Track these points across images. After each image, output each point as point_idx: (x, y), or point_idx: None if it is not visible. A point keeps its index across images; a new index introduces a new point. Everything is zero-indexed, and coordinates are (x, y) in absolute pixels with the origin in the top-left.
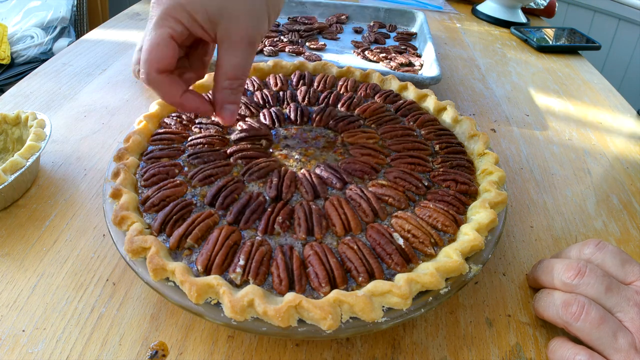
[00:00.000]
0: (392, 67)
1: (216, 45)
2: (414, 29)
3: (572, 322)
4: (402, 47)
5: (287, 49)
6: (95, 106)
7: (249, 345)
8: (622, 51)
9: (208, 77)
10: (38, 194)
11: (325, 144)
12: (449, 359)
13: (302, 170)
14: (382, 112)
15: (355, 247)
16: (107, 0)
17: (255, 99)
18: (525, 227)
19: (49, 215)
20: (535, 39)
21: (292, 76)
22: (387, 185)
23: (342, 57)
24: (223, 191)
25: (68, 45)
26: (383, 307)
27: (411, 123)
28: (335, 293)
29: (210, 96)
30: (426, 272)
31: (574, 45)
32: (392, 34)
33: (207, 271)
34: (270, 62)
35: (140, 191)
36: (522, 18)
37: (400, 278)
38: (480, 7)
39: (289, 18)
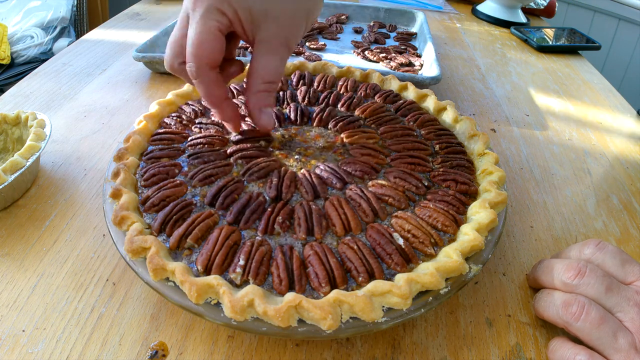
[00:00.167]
0: (392, 67)
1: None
2: (414, 29)
3: (572, 322)
4: (402, 47)
5: None
6: (95, 106)
7: (249, 345)
8: (622, 51)
9: None
10: (38, 194)
11: (325, 144)
12: (449, 359)
13: (302, 170)
14: (382, 112)
15: (355, 247)
16: (107, 0)
17: None
18: (525, 227)
19: (49, 215)
20: (535, 39)
21: (292, 76)
22: (387, 185)
23: (342, 57)
24: (223, 191)
25: (68, 45)
26: (383, 307)
27: (411, 123)
28: (335, 293)
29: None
30: (426, 272)
31: (574, 45)
32: (392, 34)
33: (207, 271)
34: None
35: (140, 191)
36: (522, 18)
37: (400, 278)
38: (480, 7)
39: None
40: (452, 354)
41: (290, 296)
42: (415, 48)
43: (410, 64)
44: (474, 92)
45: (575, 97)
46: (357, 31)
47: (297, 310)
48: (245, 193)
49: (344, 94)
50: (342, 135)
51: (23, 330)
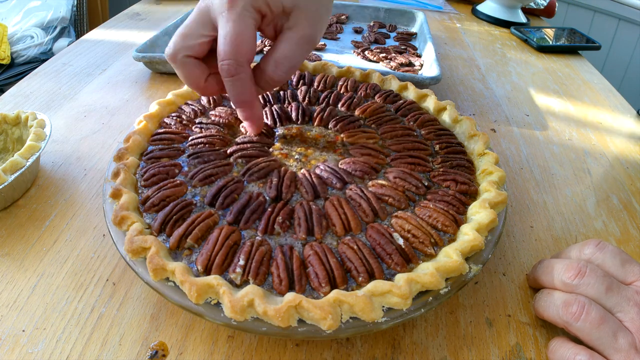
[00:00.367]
0: (392, 67)
1: None
2: (414, 29)
3: (572, 322)
4: (402, 47)
5: None
6: (95, 106)
7: (249, 345)
8: (622, 51)
9: None
10: (38, 194)
11: (325, 144)
12: (449, 359)
13: (302, 170)
14: (382, 112)
15: (355, 247)
16: (107, 0)
17: None
18: (525, 227)
19: (49, 215)
20: (535, 39)
21: (292, 76)
22: (387, 185)
23: (342, 57)
24: (223, 191)
25: (68, 45)
26: (383, 307)
27: (411, 123)
28: (335, 293)
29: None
30: (426, 272)
31: (574, 45)
32: (392, 34)
33: (207, 271)
34: None
35: (140, 191)
36: (522, 18)
37: (400, 278)
38: (480, 7)
39: None
40: (452, 354)
41: (290, 296)
42: (415, 48)
43: (410, 64)
44: (474, 92)
45: (575, 97)
46: (357, 31)
47: (297, 310)
48: (245, 193)
49: (344, 94)
50: (342, 135)
51: (23, 330)
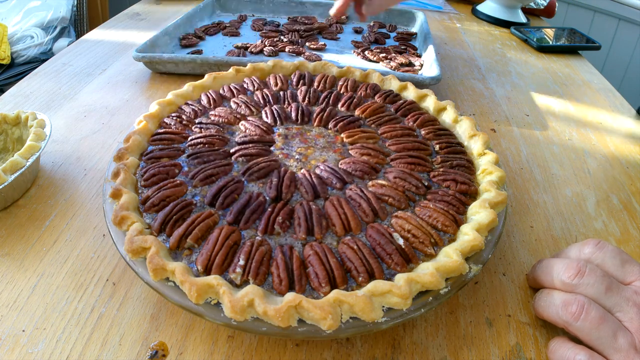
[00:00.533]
0: (392, 67)
1: None
2: (414, 29)
3: (572, 322)
4: (402, 47)
5: (287, 49)
6: (95, 106)
7: (249, 345)
8: (622, 51)
9: (208, 77)
10: (38, 194)
11: (325, 144)
12: (449, 359)
13: (302, 170)
14: (382, 112)
15: (355, 247)
16: (107, 0)
17: (255, 99)
18: (525, 227)
19: (49, 215)
20: (535, 39)
21: (292, 76)
22: (387, 185)
23: (342, 57)
24: (223, 191)
25: (68, 45)
26: (383, 307)
27: (411, 123)
28: (335, 293)
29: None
30: (426, 272)
31: (574, 45)
32: (392, 34)
33: (207, 271)
34: (271, 62)
35: (140, 191)
36: (522, 18)
37: (400, 278)
38: (480, 7)
39: (289, 18)
40: (452, 354)
41: (290, 296)
42: (415, 48)
43: (410, 64)
44: (474, 92)
45: (575, 97)
46: (357, 31)
47: (297, 310)
48: (245, 193)
49: (344, 93)
50: (342, 135)
51: (23, 330)
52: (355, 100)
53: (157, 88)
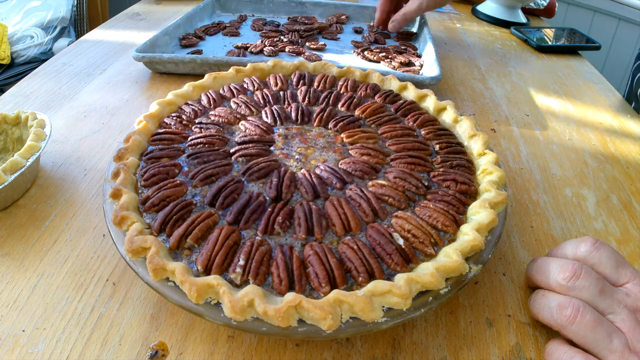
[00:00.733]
0: (392, 67)
1: None
2: (414, 29)
3: (567, 326)
4: (402, 47)
5: (287, 49)
6: (95, 106)
7: (249, 345)
8: (622, 51)
9: (208, 77)
10: (38, 194)
11: (325, 144)
12: (449, 359)
13: (302, 170)
14: (382, 112)
15: (355, 247)
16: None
17: (255, 99)
18: (525, 227)
19: (49, 215)
20: (535, 39)
21: (292, 76)
22: (387, 185)
23: (342, 57)
24: (223, 191)
25: (68, 45)
26: (383, 307)
27: (411, 123)
28: (335, 293)
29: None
30: (426, 272)
31: (574, 45)
32: (392, 34)
33: (207, 271)
34: (270, 62)
35: (140, 191)
36: (522, 18)
37: (400, 278)
38: (480, 7)
39: (289, 18)
40: (452, 354)
41: (290, 296)
42: (415, 48)
43: (410, 64)
44: (474, 92)
45: (575, 97)
46: (357, 31)
47: (297, 310)
48: (245, 193)
49: (344, 93)
50: (342, 135)
51: (23, 330)
52: (355, 100)
53: (157, 88)
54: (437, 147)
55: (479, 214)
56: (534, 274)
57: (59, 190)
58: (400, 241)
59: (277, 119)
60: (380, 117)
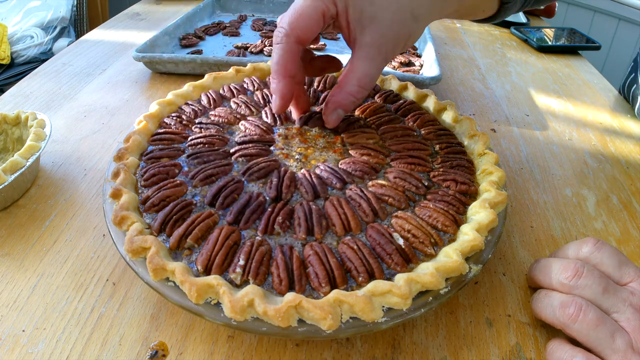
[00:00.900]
0: (392, 67)
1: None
2: None
3: (569, 324)
4: None
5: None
6: (95, 106)
7: (249, 345)
8: (622, 51)
9: (208, 77)
10: (38, 194)
11: (325, 144)
12: (449, 359)
13: (302, 170)
14: (382, 112)
15: (355, 247)
16: (107, 0)
17: (255, 99)
18: (525, 227)
19: (49, 215)
20: (535, 39)
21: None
22: (387, 185)
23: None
24: (223, 191)
25: (68, 45)
26: (383, 307)
27: (411, 123)
28: (335, 293)
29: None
30: (426, 272)
31: (574, 45)
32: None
33: (207, 271)
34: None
35: (140, 191)
36: (522, 18)
37: (400, 278)
38: None
39: None
40: (452, 354)
41: (290, 296)
42: (415, 48)
43: (410, 64)
44: (474, 92)
45: (575, 97)
46: None
47: (297, 310)
48: (245, 193)
49: None
50: (343, 135)
51: (23, 330)
52: None
53: (157, 88)
54: (437, 147)
55: (479, 214)
56: (536, 274)
57: (59, 190)
58: (400, 241)
59: (277, 119)
60: (380, 117)
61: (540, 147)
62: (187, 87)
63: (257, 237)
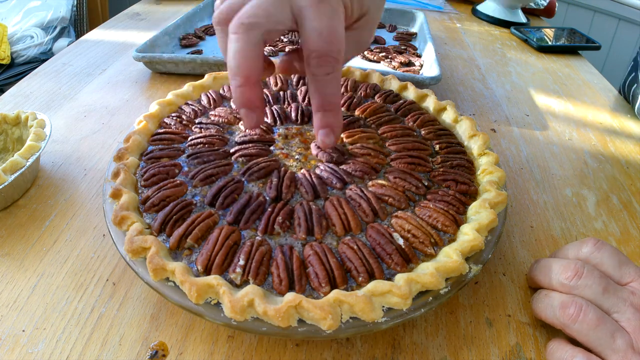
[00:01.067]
0: (392, 67)
1: None
2: (414, 29)
3: (569, 324)
4: (402, 47)
5: (287, 49)
6: (95, 106)
7: (249, 345)
8: (622, 51)
9: (208, 77)
10: (38, 194)
11: None
12: (449, 359)
13: (302, 170)
14: (382, 112)
15: (355, 247)
16: (107, 0)
17: None
18: (525, 227)
19: (49, 215)
20: (535, 39)
21: (292, 76)
22: (387, 185)
23: None
24: (223, 191)
25: (68, 45)
26: (383, 307)
27: (411, 123)
28: (335, 293)
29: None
30: (426, 272)
31: (574, 45)
32: (392, 34)
33: (207, 271)
34: None
35: (140, 191)
36: (522, 18)
37: (400, 278)
38: (480, 7)
39: None
40: (452, 354)
41: (290, 296)
42: (415, 48)
43: (410, 64)
44: (474, 92)
45: (575, 97)
46: None
47: (297, 310)
48: (245, 193)
49: (344, 93)
50: (342, 135)
51: (23, 330)
52: (355, 100)
53: (157, 88)
54: (437, 147)
55: (479, 214)
56: (536, 274)
57: (59, 190)
58: (400, 241)
59: (277, 119)
60: (380, 117)
61: (540, 147)
62: (187, 87)
63: (257, 237)
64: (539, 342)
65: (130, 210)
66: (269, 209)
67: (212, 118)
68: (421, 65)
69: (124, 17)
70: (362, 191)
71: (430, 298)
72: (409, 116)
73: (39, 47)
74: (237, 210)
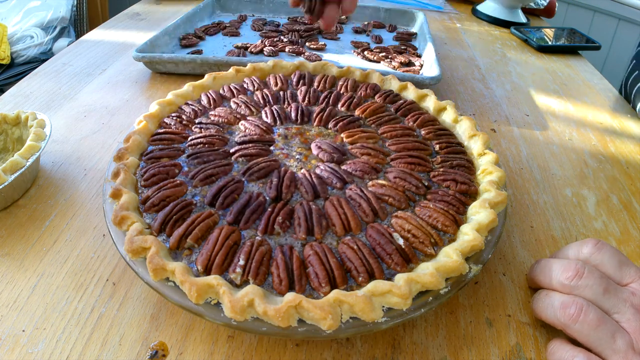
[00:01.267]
0: (392, 67)
1: None
2: (414, 29)
3: (570, 324)
4: (402, 47)
5: (287, 49)
6: (95, 106)
7: (249, 345)
8: (622, 51)
9: (208, 77)
10: (38, 194)
11: None
12: (449, 359)
13: (302, 170)
14: (382, 112)
15: (355, 247)
16: (107, 0)
17: (255, 99)
18: (525, 227)
19: (49, 215)
20: (535, 39)
21: (292, 76)
22: (387, 185)
23: (342, 57)
24: (223, 191)
25: (68, 45)
26: (383, 307)
27: (411, 123)
28: (335, 293)
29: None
30: (426, 272)
31: (574, 45)
32: (392, 34)
33: (207, 271)
34: (271, 62)
35: (140, 191)
36: (522, 18)
37: (400, 278)
38: (480, 7)
39: (289, 18)
40: (452, 354)
41: (290, 296)
42: (415, 48)
43: (410, 64)
44: (474, 92)
45: (575, 97)
46: (357, 31)
47: (297, 310)
48: (245, 193)
49: (344, 93)
50: (342, 135)
51: (23, 330)
52: (355, 100)
53: (157, 88)
54: (437, 147)
55: (479, 214)
56: (536, 274)
57: (59, 190)
58: (400, 241)
59: (277, 119)
60: (380, 117)
61: (540, 147)
62: (187, 87)
63: (257, 237)
64: (539, 342)
65: (130, 210)
66: (269, 209)
67: (212, 118)
68: (421, 65)
69: (124, 17)
70: (362, 191)
71: (430, 298)
72: (409, 116)
73: (39, 47)
74: (237, 210)
